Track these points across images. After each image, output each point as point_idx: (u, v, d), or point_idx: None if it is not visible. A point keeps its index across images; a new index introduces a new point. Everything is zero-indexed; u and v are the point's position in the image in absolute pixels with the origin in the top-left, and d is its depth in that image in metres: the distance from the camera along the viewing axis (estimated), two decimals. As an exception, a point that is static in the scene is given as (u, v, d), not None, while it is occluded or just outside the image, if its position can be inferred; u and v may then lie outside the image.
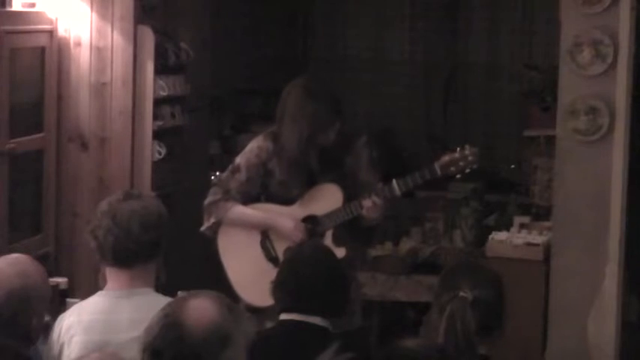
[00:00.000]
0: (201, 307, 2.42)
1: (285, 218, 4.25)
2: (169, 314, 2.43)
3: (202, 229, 4.41)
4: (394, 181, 4.16)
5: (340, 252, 4.11)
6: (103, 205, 3.25)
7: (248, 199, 4.34)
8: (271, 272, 4.21)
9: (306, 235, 4.24)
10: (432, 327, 3.05)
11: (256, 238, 4.32)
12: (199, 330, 2.38)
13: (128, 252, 3.19)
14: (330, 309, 3.46)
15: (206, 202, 4.40)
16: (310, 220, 4.25)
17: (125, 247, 3.18)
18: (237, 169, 4.37)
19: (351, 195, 4.23)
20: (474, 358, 2.94)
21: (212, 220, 4.35)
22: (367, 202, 4.13)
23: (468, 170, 4.17)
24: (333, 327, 3.49)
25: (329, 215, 4.22)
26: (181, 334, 2.37)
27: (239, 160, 4.39)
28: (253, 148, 4.39)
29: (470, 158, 4.14)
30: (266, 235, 4.30)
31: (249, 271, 4.31)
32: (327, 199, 4.24)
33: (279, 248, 4.28)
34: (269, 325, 4.19)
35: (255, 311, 4.15)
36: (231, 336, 2.41)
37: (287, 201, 4.29)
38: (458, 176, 4.20)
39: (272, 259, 4.29)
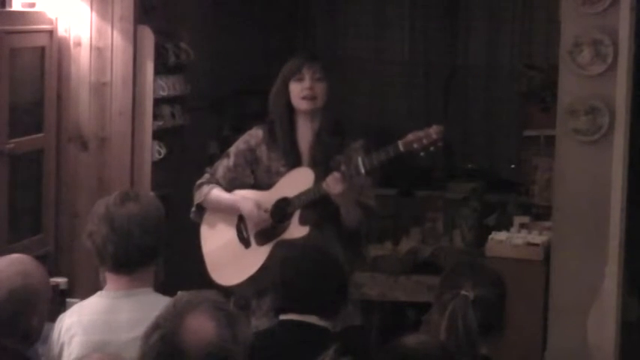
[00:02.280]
0: (198, 329, 2.39)
1: (248, 201, 4.28)
2: (166, 337, 2.40)
3: (190, 214, 4.45)
4: (359, 158, 4.14)
5: (303, 230, 4.15)
6: (100, 208, 3.21)
7: (237, 186, 4.37)
8: (242, 253, 4.31)
9: (266, 218, 4.25)
10: (433, 326, 3.05)
11: (233, 221, 4.36)
12: (197, 355, 2.37)
13: (128, 259, 3.17)
14: (328, 308, 3.45)
15: (195, 185, 4.46)
16: (282, 202, 4.27)
17: (125, 254, 3.16)
18: (227, 155, 4.43)
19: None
20: (474, 357, 2.94)
21: (195, 203, 4.41)
22: (329, 177, 4.13)
23: (432, 149, 4.12)
24: (333, 326, 3.49)
25: (298, 196, 4.23)
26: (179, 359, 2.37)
27: (232, 147, 4.46)
28: (245, 135, 4.45)
29: (434, 136, 4.10)
30: (241, 217, 4.34)
31: (221, 252, 4.37)
32: (299, 181, 4.25)
33: (252, 230, 4.30)
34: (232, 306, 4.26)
35: (225, 291, 4.22)
36: (230, 353, 2.40)
37: (270, 188, 4.33)
38: (422, 154, 4.15)
39: (243, 239, 4.33)
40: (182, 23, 6.10)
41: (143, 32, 5.28)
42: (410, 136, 4.12)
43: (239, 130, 7.12)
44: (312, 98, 4.28)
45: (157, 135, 5.50)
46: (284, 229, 4.24)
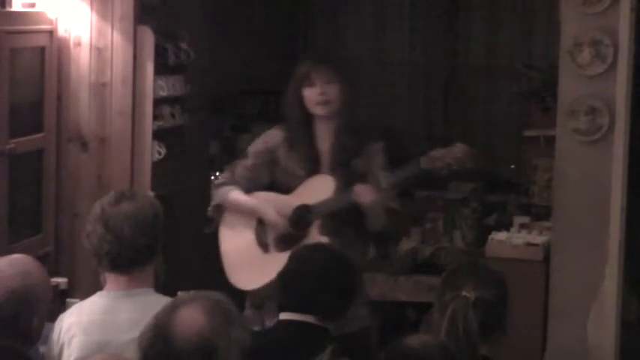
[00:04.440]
0: (189, 319, 2.41)
1: (269, 207, 4.27)
2: (158, 325, 2.42)
3: (208, 212, 4.44)
4: (381, 174, 4.14)
5: (323, 241, 4.12)
6: (96, 209, 3.21)
7: (255, 186, 4.35)
8: (260, 257, 4.29)
9: (290, 224, 4.24)
10: (433, 326, 3.05)
11: (252, 223, 4.34)
12: (184, 344, 2.38)
13: (124, 259, 3.17)
14: (330, 310, 3.45)
15: (214, 184, 4.45)
16: (302, 209, 4.25)
17: (121, 254, 3.16)
18: (245, 155, 4.41)
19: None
20: (475, 358, 2.94)
21: (213, 202, 4.38)
22: (358, 187, 4.12)
23: (455, 167, 4.12)
24: (337, 328, 3.49)
25: (320, 204, 4.21)
26: (166, 347, 2.38)
27: (251, 147, 4.43)
28: (264, 135, 4.42)
29: (458, 155, 4.09)
30: (261, 221, 4.32)
31: (239, 254, 4.35)
32: (320, 188, 4.23)
33: (271, 235, 4.30)
34: (248, 312, 4.26)
35: (244, 294, 4.23)
36: (217, 349, 2.40)
37: (289, 191, 4.30)
38: (444, 172, 4.14)
39: (262, 244, 4.31)
40: (182, 23, 6.10)
41: (143, 32, 5.28)
42: (433, 153, 4.11)
43: (239, 131, 7.18)
44: (325, 103, 4.27)
45: (157, 135, 5.50)
46: (303, 237, 4.22)
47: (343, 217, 4.20)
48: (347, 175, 4.21)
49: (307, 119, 4.30)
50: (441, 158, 4.09)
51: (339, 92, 4.27)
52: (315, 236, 4.17)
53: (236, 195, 4.34)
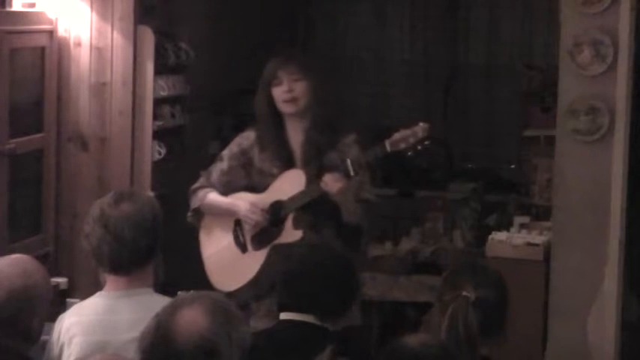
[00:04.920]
0: (190, 320, 2.41)
1: (242, 203, 4.27)
2: (160, 326, 2.42)
3: (187, 218, 4.44)
4: (347, 160, 4.12)
5: (297, 235, 4.13)
6: (95, 210, 3.20)
7: (232, 189, 4.35)
8: (239, 257, 4.30)
9: (263, 217, 4.23)
10: (433, 326, 3.05)
11: (230, 225, 4.34)
12: (186, 344, 2.38)
13: (124, 260, 3.17)
14: (330, 310, 3.45)
15: (190, 189, 4.45)
16: (276, 205, 4.25)
17: (121, 255, 3.16)
18: (220, 158, 4.41)
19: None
20: (475, 358, 2.94)
21: (191, 207, 4.39)
22: (327, 177, 4.10)
23: (419, 147, 4.09)
24: (334, 325, 3.49)
25: (292, 198, 4.20)
26: (168, 348, 2.38)
27: (225, 150, 4.44)
28: (237, 137, 4.43)
29: (420, 134, 4.06)
30: (238, 221, 4.33)
31: (219, 257, 4.36)
32: (291, 183, 4.22)
33: (248, 234, 4.30)
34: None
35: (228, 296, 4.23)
36: (219, 349, 2.40)
37: (264, 190, 4.31)
38: (409, 153, 4.12)
39: (240, 244, 4.31)
40: (182, 23, 6.10)
41: (143, 32, 5.28)
42: (396, 135, 4.09)
43: (239, 131, 7.17)
44: (292, 100, 4.25)
45: (157, 135, 5.50)
46: (278, 233, 4.22)
47: (318, 210, 4.18)
48: (319, 168, 4.20)
49: (278, 118, 4.30)
50: (405, 139, 4.07)
51: (307, 89, 4.25)
52: (290, 231, 4.17)
53: (213, 197, 4.34)
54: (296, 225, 4.18)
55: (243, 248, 4.31)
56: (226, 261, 4.34)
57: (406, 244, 6.02)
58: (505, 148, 7.38)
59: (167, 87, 5.70)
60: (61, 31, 5.21)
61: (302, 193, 4.18)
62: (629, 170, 4.53)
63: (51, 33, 5.14)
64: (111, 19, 5.22)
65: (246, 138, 4.38)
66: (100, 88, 5.25)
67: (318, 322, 3.40)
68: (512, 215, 5.84)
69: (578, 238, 4.62)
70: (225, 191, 4.35)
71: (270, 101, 4.28)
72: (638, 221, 4.75)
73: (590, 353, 4.57)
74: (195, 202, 4.38)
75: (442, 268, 5.47)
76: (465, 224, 6.20)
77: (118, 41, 5.23)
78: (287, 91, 4.24)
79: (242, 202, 4.29)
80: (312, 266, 3.50)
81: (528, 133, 6.20)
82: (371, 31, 8.01)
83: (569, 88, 4.63)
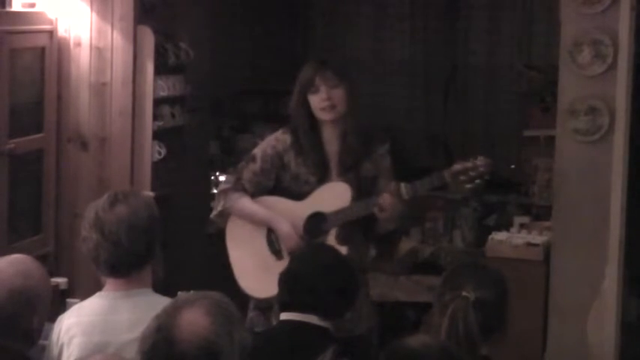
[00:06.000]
0: (192, 322, 2.41)
1: (284, 221, 4.22)
2: (161, 327, 2.42)
3: (211, 216, 4.39)
4: (402, 185, 4.12)
5: (342, 250, 4.07)
6: (90, 213, 3.19)
7: (261, 191, 4.30)
8: (273, 265, 4.21)
9: (302, 237, 4.21)
10: (433, 327, 3.05)
11: (263, 230, 4.30)
12: (188, 346, 2.38)
13: (123, 264, 3.15)
14: (331, 310, 3.45)
15: (218, 188, 4.40)
16: (316, 217, 4.23)
17: (118, 259, 3.14)
18: (252, 159, 4.33)
19: (365, 199, 4.21)
20: (475, 358, 2.94)
21: (219, 208, 4.34)
22: (382, 200, 4.10)
23: (478, 181, 4.11)
24: (339, 329, 3.49)
25: (336, 213, 4.18)
26: (170, 350, 2.38)
27: (256, 150, 4.37)
28: (271, 139, 4.36)
29: (481, 169, 4.09)
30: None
31: (252, 262, 4.30)
32: (335, 197, 4.20)
33: (283, 242, 4.26)
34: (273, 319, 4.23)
35: (259, 302, 4.21)
36: (221, 350, 2.40)
37: (298, 196, 4.28)
38: (468, 186, 4.14)
39: (275, 251, 4.27)
40: (182, 23, 6.10)
41: (143, 32, 5.28)
42: (456, 167, 4.10)
43: (239, 131, 7.18)
44: (331, 108, 4.23)
45: (157, 135, 5.50)
46: None
47: (358, 224, 4.20)
48: (356, 179, 4.20)
49: (314, 124, 4.28)
50: (465, 172, 4.08)
51: (344, 96, 4.24)
52: (334, 245, 4.12)
53: (247, 204, 4.28)
54: (341, 240, 4.16)
55: (278, 255, 4.26)
56: (258, 266, 4.27)
57: (406, 244, 6.02)
58: (505, 148, 7.37)
59: (167, 87, 5.70)
60: (61, 31, 5.21)
61: (349, 209, 4.17)
62: (629, 170, 4.53)
63: (51, 33, 5.15)
64: (111, 19, 5.22)
65: (282, 142, 4.31)
66: (100, 88, 5.26)
67: (318, 323, 3.41)
68: (512, 215, 5.84)
69: (578, 238, 4.62)
70: (256, 192, 4.30)
71: (307, 108, 4.25)
72: (638, 221, 4.75)
73: (589, 353, 4.57)
74: (225, 204, 4.31)
75: (442, 268, 5.47)
76: (465, 224, 6.20)
77: (118, 41, 5.23)
78: (325, 99, 4.21)
79: (282, 220, 4.23)
80: (313, 266, 3.51)
81: (528, 133, 6.20)
82: (371, 31, 8.01)
83: (569, 88, 4.63)
